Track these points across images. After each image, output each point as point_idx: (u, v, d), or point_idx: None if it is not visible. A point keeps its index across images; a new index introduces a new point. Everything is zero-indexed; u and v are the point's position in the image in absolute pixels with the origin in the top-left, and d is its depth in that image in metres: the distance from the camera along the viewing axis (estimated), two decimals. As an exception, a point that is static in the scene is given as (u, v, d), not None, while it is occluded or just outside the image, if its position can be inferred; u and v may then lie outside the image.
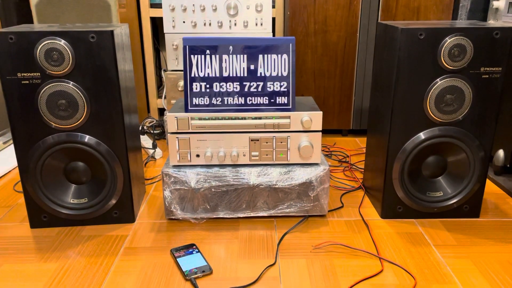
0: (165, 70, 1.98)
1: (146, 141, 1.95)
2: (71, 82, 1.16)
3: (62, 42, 1.12)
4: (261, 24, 1.86)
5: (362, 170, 1.68)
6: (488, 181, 1.59)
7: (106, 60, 1.16)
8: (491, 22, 1.74)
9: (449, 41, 1.15)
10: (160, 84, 2.48)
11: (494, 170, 1.60)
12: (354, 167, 1.72)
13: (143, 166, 1.70)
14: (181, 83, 1.91)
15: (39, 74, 1.14)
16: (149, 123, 2.16)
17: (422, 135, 1.24)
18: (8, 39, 1.11)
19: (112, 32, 1.14)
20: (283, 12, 2.10)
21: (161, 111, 2.34)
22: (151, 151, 1.84)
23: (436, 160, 1.29)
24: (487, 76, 1.19)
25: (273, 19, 2.12)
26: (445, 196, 1.30)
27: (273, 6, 2.08)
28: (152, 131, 2.08)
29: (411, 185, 1.29)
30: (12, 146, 1.91)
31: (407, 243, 1.20)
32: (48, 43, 1.12)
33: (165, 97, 2.05)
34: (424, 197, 1.30)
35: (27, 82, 1.14)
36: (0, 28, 1.89)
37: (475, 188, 1.29)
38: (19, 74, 1.14)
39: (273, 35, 2.10)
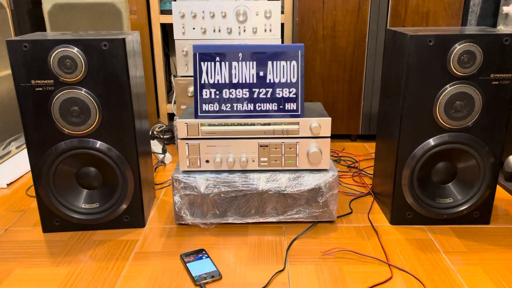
0: (175, 76, 2.00)
1: (155, 146, 1.96)
2: (84, 89, 1.18)
3: (75, 49, 1.14)
4: (270, 30, 1.87)
5: (371, 175, 1.68)
6: (498, 187, 1.58)
7: (118, 67, 1.17)
8: (501, 28, 1.73)
9: (458, 47, 1.15)
10: (169, 89, 2.50)
11: (505, 176, 1.59)
12: (363, 172, 1.72)
13: (153, 171, 1.71)
14: (191, 88, 1.93)
15: (53, 81, 1.16)
16: (158, 128, 2.18)
17: (431, 141, 1.24)
18: (22, 47, 1.14)
19: (124, 39, 1.16)
20: (292, 18, 2.11)
21: (171, 116, 2.35)
22: (161, 156, 1.86)
23: (445, 166, 1.29)
24: (497, 82, 1.19)
25: (282, 24, 2.13)
26: (455, 202, 1.29)
27: (282, 12, 2.10)
28: (161, 136, 2.10)
29: (421, 191, 1.29)
30: (25, 150, 1.94)
31: (417, 250, 1.20)
32: (61, 50, 1.14)
33: (174, 102, 2.07)
34: (433, 204, 1.29)
35: (41, 89, 1.17)
36: (13, 35, 1.93)
37: (485, 195, 1.28)
38: (33, 81, 1.16)
39: (282, 41, 2.11)
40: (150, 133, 2.09)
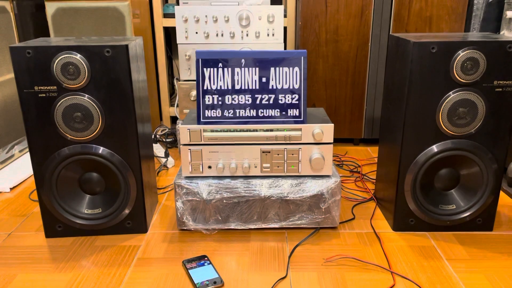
0: (177, 79, 2.00)
1: (158, 149, 1.97)
2: (86, 95, 1.18)
3: (78, 56, 1.15)
4: (273, 35, 1.87)
5: (374, 180, 1.67)
6: (501, 193, 1.57)
7: (121, 73, 1.18)
8: (504, 33, 1.73)
9: (461, 54, 1.15)
10: (172, 92, 2.51)
11: (508, 182, 1.58)
12: (366, 177, 1.72)
13: (156, 175, 1.72)
14: (193, 93, 1.93)
15: (56, 87, 1.17)
16: (161, 131, 2.19)
17: (434, 148, 1.23)
18: (25, 54, 1.14)
19: (127, 46, 1.16)
20: (295, 22, 2.11)
21: (174, 119, 2.36)
22: (164, 160, 1.86)
23: (448, 173, 1.28)
24: (501, 89, 1.18)
25: (285, 28, 2.13)
26: (458, 209, 1.29)
27: (285, 16, 2.10)
28: (164, 140, 2.10)
29: (424, 197, 1.28)
30: (28, 154, 1.95)
31: (419, 257, 1.20)
32: (64, 57, 1.14)
33: (177, 106, 2.07)
34: (436, 210, 1.29)
35: (44, 95, 1.17)
36: (17, 39, 1.94)
37: (489, 201, 1.28)
38: (36, 88, 1.17)
39: (285, 45, 2.11)
40: (153, 137, 2.10)
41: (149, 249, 1.24)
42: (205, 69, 1.25)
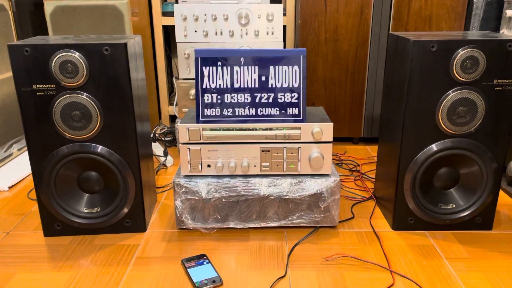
0: (176, 78, 1.99)
1: (157, 148, 1.96)
2: (85, 94, 1.17)
3: (77, 54, 1.14)
4: (272, 33, 1.87)
5: (373, 179, 1.67)
6: (501, 192, 1.57)
7: (119, 72, 1.17)
8: (504, 32, 1.72)
9: (461, 53, 1.14)
10: (171, 90, 2.50)
11: (508, 181, 1.58)
12: (365, 176, 1.72)
13: (155, 174, 1.71)
14: (193, 91, 1.92)
15: (54, 86, 1.16)
16: (160, 130, 2.18)
17: (434, 147, 1.23)
18: (24, 52, 1.13)
19: (125, 44, 1.15)
20: (294, 20, 2.11)
21: (173, 118, 2.35)
22: (163, 158, 1.86)
23: (448, 172, 1.28)
24: (500, 88, 1.18)
25: (284, 27, 2.12)
26: (457, 208, 1.29)
27: (284, 14, 2.09)
28: (163, 138, 2.10)
29: (423, 196, 1.28)
30: (26, 153, 1.94)
31: (419, 256, 1.20)
32: (63, 55, 1.13)
33: (176, 104, 2.07)
34: (436, 209, 1.29)
35: (42, 93, 1.17)
36: (15, 37, 1.93)
37: (488, 200, 1.27)
38: (34, 86, 1.16)
39: (284, 44, 2.10)
40: (152, 136, 2.09)
41: (148, 248, 1.24)
42: (204, 67, 1.25)
